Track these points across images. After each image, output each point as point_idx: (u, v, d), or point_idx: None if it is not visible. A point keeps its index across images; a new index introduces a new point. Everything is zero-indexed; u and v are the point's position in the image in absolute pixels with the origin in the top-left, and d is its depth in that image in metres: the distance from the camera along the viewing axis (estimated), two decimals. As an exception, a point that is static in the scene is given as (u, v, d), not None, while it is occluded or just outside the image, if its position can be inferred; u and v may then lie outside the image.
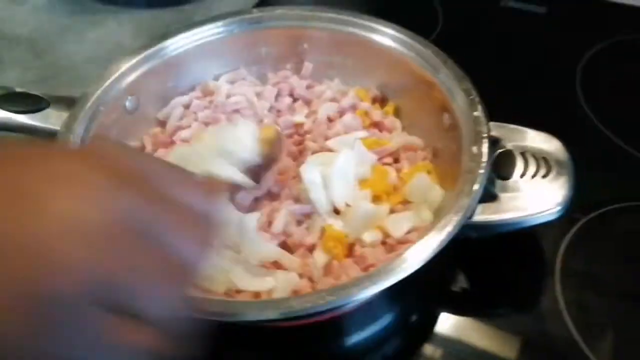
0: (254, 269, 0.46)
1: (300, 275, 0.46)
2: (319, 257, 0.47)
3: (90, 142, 0.27)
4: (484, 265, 0.54)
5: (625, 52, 0.75)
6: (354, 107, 0.60)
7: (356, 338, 0.50)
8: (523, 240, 0.54)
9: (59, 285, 0.22)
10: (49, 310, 0.23)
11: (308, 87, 0.64)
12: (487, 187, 0.46)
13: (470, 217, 0.44)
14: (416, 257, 0.40)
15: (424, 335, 0.49)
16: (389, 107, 0.61)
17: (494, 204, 0.46)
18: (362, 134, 0.57)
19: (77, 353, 0.24)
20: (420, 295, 0.52)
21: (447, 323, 0.50)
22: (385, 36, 0.59)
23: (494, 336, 0.48)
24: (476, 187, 0.44)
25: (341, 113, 0.60)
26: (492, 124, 0.49)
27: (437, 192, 0.50)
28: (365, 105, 0.61)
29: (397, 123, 0.60)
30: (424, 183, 0.51)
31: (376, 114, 0.60)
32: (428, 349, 0.48)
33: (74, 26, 0.85)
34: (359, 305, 0.48)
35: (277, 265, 0.47)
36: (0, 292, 0.22)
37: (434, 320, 0.50)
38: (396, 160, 0.56)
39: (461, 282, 0.53)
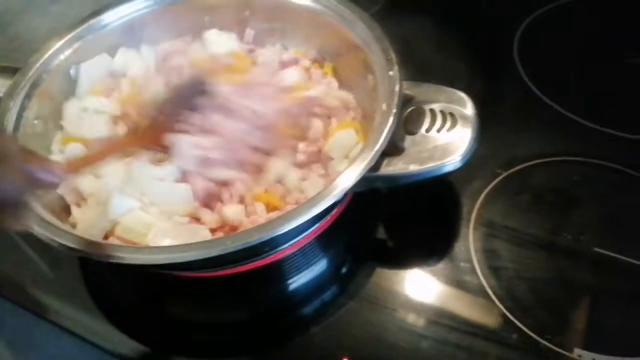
0: (177, 226, 0.49)
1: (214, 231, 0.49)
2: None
3: None
4: (405, 216, 0.57)
5: (561, 18, 0.76)
6: (295, 61, 0.63)
7: (294, 285, 0.54)
8: (444, 193, 0.57)
9: None
10: None
11: (250, 51, 0.66)
12: (394, 141, 0.49)
13: (376, 169, 0.47)
14: (315, 207, 0.43)
15: (350, 286, 0.52)
16: (327, 68, 0.64)
17: (400, 157, 0.49)
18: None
19: None
20: (346, 244, 0.56)
21: (373, 273, 0.53)
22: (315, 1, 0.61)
23: (413, 282, 0.52)
24: (379, 140, 0.46)
25: (283, 66, 0.62)
26: (407, 82, 0.52)
27: (358, 150, 0.53)
28: (306, 62, 0.63)
29: (334, 82, 0.62)
30: (349, 138, 0.54)
31: (315, 72, 0.62)
32: (354, 300, 0.51)
33: (36, 1, 0.87)
34: (293, 253, 0.52)
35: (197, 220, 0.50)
36: None
37: (360, 268, 0.53)
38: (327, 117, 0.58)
39: (383, 233, 0.56)
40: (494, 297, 0.49)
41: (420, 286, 0.51)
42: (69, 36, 0.60)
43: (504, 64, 0.70)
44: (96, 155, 0.50)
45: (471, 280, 0.51)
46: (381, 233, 0.56)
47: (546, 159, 0.59)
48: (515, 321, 0.48)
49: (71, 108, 0.59)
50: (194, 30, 0.67)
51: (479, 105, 0.51)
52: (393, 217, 0.57)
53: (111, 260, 0.42)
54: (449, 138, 0.49)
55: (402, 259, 0.54)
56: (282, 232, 0.42)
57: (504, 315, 0.48)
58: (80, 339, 0.51)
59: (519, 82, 0.68)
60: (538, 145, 0.60)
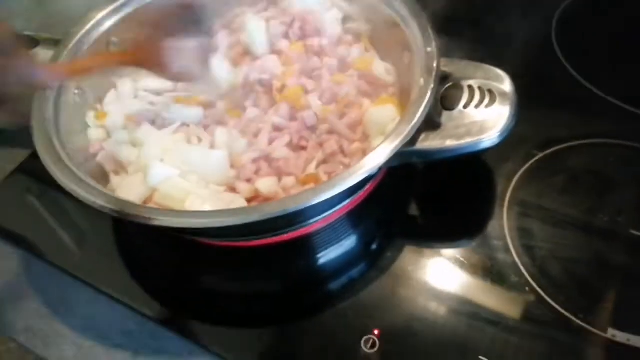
0: (214, 194, 0.50)
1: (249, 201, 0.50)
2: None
3: None
4: (439, 195, 0.57)
5: (601, 3, 0.75)
6: (357, 38, 0.64)
7: (326, 258, 0.54)
8: (478, 172, 0.57)
9: None
10: None
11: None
12: (432, 116, 0.49)
13: (413, 143, 0.47)
14: (348, 180, 0.43)
15: (381, 261, 0.52)
16: (365, 43, 0.63)
17: (437, 132, 0.49)
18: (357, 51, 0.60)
19: None
20: (379, 220, 0.56)
21: (404, 249, 0.53)
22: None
23: (445, 258, 0.52)
24: (417, 115, 0.46)
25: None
26: (445, 59, 0.52)
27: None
28: (348, 37, 0.63)
29: (376, 56, 0.62)
30: (388, 114, 0.54)
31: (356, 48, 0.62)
32: (385, 275, 0.51)
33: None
34: (326, 226, 0.53)
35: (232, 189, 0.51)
36: None
37: (392, 244, 0.53)
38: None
39: (416, 210, 0.56)
40: (527, 275, 0.49)
41: (452, 263, 0.51)
42: (109, 8, 0.61)
43: (542, 46, 0.70)
44: (93, 63, 0.50)
45: (504, 258, 0.51)
46: (414, 210, 0.56)
47: (583, 141, 0.58)
48: (548, 299, 0.48)
49: (124, 87, 0.60)
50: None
51: (516, 85, 0.50)
52: (426, 195, 0.57)
53: (154, 224, 0.43)
54: (486, 114, 0.49)
55: (434, 236, 0.54)
56: (315, 203, 0.43)
57: (536, 293, 0.48)
58: (112, 299, 0.52)
59: (557, 65, 0.67)
60: (575, 127, 0.60)
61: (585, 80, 0.65)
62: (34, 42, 0.60)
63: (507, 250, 0.51)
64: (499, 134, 0.47)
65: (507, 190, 0.55)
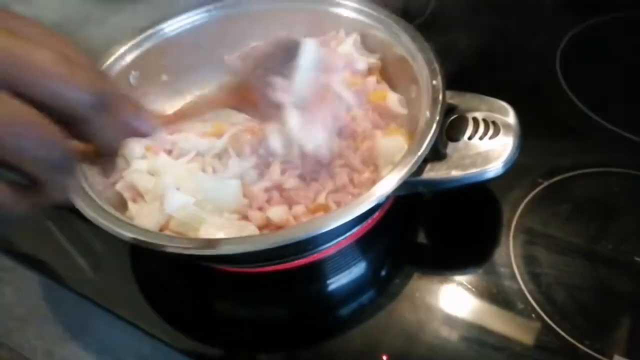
0: (227, 222, 0.52)
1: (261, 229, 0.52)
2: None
3: None
4: (446, 223, 0.59)
5: (604, 32, 0.77)
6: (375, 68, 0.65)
7: (334, 285, 0.55)
8: (485, 201, 0.59)
9: None
10: None
11: None
12: (437, 148, 0.50)
13: (419, 173, 0.49)
14: (357, 208, 0.45)
15: (390, 288, 0.54)
16: (377, 75, 0.65)
17: (442, 162, 0.50)
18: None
19: None
20: (387, 248, 0.58)
21: (412, 276, 0.54)
22: (354, 11, 0.64)
23: (452, 286, 0.53)
24: (423, 146, 0.48)
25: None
26: (450, 92, 0.53)
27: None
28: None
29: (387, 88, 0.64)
30: (397, 145, 0.55)
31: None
32: (394, 301, 0.53)
33: (96, 12, 0.93)
34: (334, 253, 0.55)
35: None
36: None
37: (400, 271, 0.55)
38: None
39: (423, 238, 0.58)
40: (533, 302, 0.50)
41: (459, 290, 0.52)
42: (131, 43, 0.64)
43: (547, 76, 0.71)
44: (193, 110, 0.50)
45: (510, 285, 0.52)
46: (422, 237, 0.58)
47: (587, 170, 0.59)
48: (554, 326, 0.48)
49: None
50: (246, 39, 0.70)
51: (521, 115, 0.52)
52: (434, 223, 0.59)
53: (170, 251, 0.45)
54: (491, 145, 0.50)
55: (441, 263, 0.55)
56: (327, 230, 0.44)
57: (543, 320, 0.49)
58: (128, 324, 0.54)
59: (561, 95, 0.69)
60: (579, 156, 0.61)
61: (590, 110, 0.66)
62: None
63: (513, 277, 0.52)
64: (503, 164, 0.49)
65: (513, 218, 0.56)
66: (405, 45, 0.59)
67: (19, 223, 0.29)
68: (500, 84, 0.68)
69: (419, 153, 0.47)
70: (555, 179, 0.59)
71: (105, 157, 0.33)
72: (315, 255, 0.54)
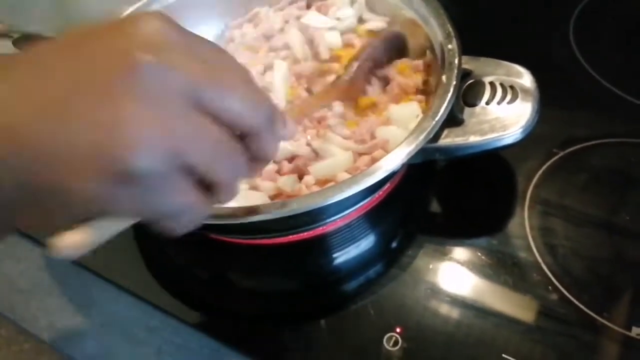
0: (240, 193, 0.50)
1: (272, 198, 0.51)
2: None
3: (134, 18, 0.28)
4: (459, 193, 0.57)
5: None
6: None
7: (346, 256, 0.54)
8: (499, 171, 0.57)
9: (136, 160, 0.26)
10: (130, 179, 0.26)
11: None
12: (454, 113, 0.49)
13: (436, 139, 0.47)
14: (374, 175, 0.43)
15: (402, 259, 0.52)
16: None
17: (459, 128, 0.49)
18: None
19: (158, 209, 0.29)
20: (399, 218, 0.56)
21: (424, 247, 0.53)
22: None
23: (466, 256, 0.52)
24: (440, 111, 0.46)
25: None
26: (466, 57, 0.52)
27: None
28: None
29: None
30: (411, 111, 0.54)
31: None
32: (406, 272, 0.52)
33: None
34: (347, 224, 0.53)
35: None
36: (86, 166, 0.26)
37: (413, 242, 0.53)
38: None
39: (436, 207, 0.56)
40: (549, 274, 0.49)
41: (474, 261, 0.51)
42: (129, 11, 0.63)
43: (560, 44, 0.70)
44: (316, 102, 0.53)
45: (526, 257, 0.51)
46: (434, 208, 0.56)
47: (603, 140, 0.58)
48: (572, 298, 0.47)
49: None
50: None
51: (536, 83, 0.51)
52: (446, 193, 0.57)
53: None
54: (509, 110, 0.49)
55: (455, 234, 0.54)
56: (340, 199, 0.43)
57: (559, 292, 0.48)
58: (135, 297, 0.53)
59: (575, 64, 0.67)
60: (595, 126, 0.60)
61: (604, 80, 0.65)
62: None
63: (529, 248, 0.51)
64: (522, 129, 0.47)
65: (528, 189, 0.55)
66: (417, 9, 0.57)
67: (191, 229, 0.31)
68: (512, 52, 0.66)
69: (437, 118, 0.46)
70: (571, 149, 0.58)
71: (259, 164, 0.35)
72: (328, 225, 0.52)
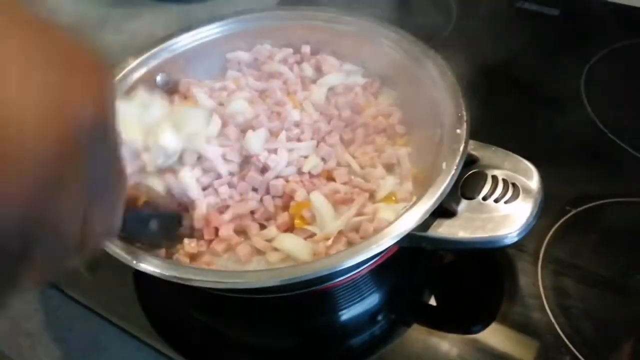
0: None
1: None
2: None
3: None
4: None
5: (629, 57, 0.77)
6: None
7: (348, 314, 0.54)
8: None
9: None
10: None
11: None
12: (449, 203, 0.47)
13: (425, 229, 0.46)
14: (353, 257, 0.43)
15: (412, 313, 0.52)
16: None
17: (451, 220, 0.47)
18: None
19: None
20: (402, 277, 0.56)
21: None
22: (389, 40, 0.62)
23: (478, 316, 0.52)
24: (432, 200, 0.45)
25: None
26: (474, 143, 0.50)
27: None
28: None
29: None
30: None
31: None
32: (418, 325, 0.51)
33: (112, 18, 0.91)
34: (347, 283, 0.52)
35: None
36: None
37: (421, 298, 0.53)
38: None
39: (445, 269, 0.56)
40: (562, 336, 0.49)
41: (486, 320, 0.51)
42: (154, 49, 0.64)
43: (572, 102, 0.70)
44: None
45: (540, 318, 0.50)
46: (445, 268, 0.56)
47: (616, 199, 0.58)
48: (584, 360, 0.47)
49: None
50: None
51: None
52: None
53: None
54: (506, 210, 0.46)
55: (467, 290, 0.54)
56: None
57: (572, 354, 0.47)
58: (141, 343, 0.52)
59: (588, 122, 0.68)
60: (608, 184, 0.60)
61: (616, 137, 0.65)
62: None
63: (542, 308, 0.51)
64: (515, 233, 0.45)
65: (541, 247, 0.55)
66: (435, 81, 0.56)
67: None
68: (522, 106, 0.67)
69: (427, 207, 0.44)
70: (583, 207, 0.58)
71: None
72: (325, 287, 0.51)
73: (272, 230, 0.52)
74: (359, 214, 0.52)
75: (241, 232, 0.53)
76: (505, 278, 0.54)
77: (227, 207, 0.54)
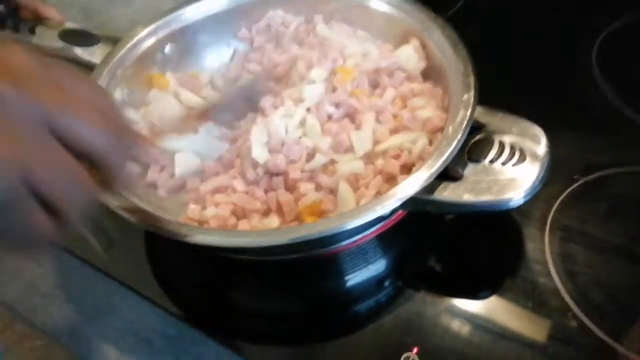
0: None
1: None
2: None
3: None
4: (477, 218, 0.56)
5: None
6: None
7: (359, 276, 0.54)
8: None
9: None
10: None
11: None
12: (455, 167, 0.47)
13: (430, 192, 0.46)
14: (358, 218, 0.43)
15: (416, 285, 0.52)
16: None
17: (457, 183, 0.47)
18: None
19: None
20: (413, 239, 0.56)
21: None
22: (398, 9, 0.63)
23: (485, 279, 0.52)
24: (437, 164, 0.45)
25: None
26: (482, 108, 0.50)
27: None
28: None
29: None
30: None
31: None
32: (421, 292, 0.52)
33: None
34: (356, 246, 0.53)
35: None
36: None
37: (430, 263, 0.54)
38: None
39: (454, 234, 0.57)
40: (569, 301, 0.49)
41: (493, 286, 0.51)
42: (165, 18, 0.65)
43: (583, 70, 0.70)
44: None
45: (546, 283, 0.50)
46: (452, 234, 0.56)
47: (625, 168, 0.58)
48: (591, 326, 0.47)
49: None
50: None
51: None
52: (466, 219, 0.57)
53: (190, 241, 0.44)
54: (512, 173, 0.46)
55: (474, 256, 0.54)
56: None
57: (579, 319, 0.48)
58: (154, 305, 0.53)
59: (598, 90, 0.67)
60: (617, 153, 0.60)
61: (627, 107, 0.65)
62: (95, 39, 0.64)
63: (549, 275, 0.51)
64: (522, 195, 0.45)
65: (549, 214, 0.55)
66: (443, 51, 0.56)
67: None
68: (534, 77, 0.67)
69: (432, 170, 0.44)
70: (592, 175, 0.58)
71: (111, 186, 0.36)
72: (336, 249, 0.52)
73: (273, 219, 0.52)
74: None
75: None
76: (513, 245, 0.54)
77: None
